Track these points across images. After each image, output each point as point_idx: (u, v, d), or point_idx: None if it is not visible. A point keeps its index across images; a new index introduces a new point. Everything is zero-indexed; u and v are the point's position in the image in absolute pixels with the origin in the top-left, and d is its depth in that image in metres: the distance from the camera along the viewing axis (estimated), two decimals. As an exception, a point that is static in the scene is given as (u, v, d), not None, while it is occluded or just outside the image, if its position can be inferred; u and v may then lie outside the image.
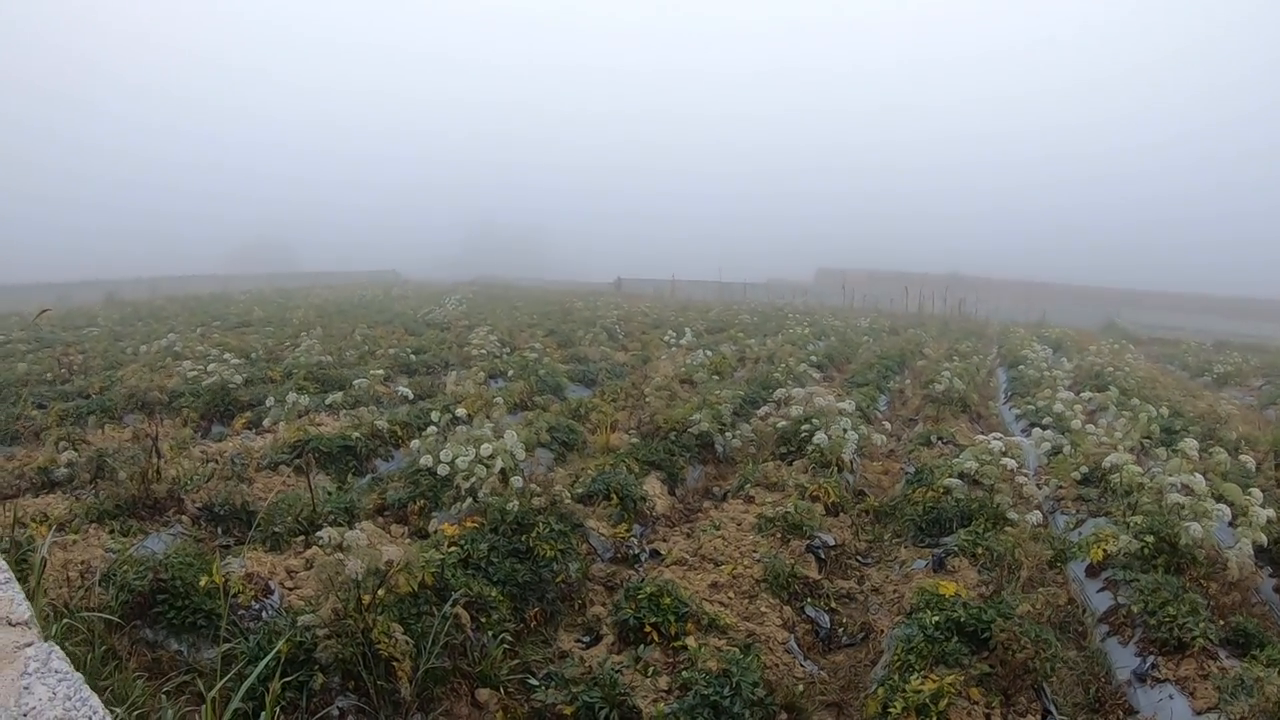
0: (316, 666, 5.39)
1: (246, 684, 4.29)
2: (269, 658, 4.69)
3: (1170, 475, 9.32)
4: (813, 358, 20.74)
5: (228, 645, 5.62)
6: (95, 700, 1.69)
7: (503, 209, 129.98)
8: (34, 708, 1.63)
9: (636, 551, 8.88)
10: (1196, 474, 9.19)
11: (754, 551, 8.36)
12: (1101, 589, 8.40)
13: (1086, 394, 16.92)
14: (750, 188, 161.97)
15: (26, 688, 1.68)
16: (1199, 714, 6.20)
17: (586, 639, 7.09)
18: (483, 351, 19.51)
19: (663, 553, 8.65)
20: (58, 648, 1.86)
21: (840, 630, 7.81)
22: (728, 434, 12.55)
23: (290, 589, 7.04)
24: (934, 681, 5.60)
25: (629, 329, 28.36)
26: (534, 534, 7.75)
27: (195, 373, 15.03)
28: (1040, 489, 11.37)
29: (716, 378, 17.47)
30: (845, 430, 11.32)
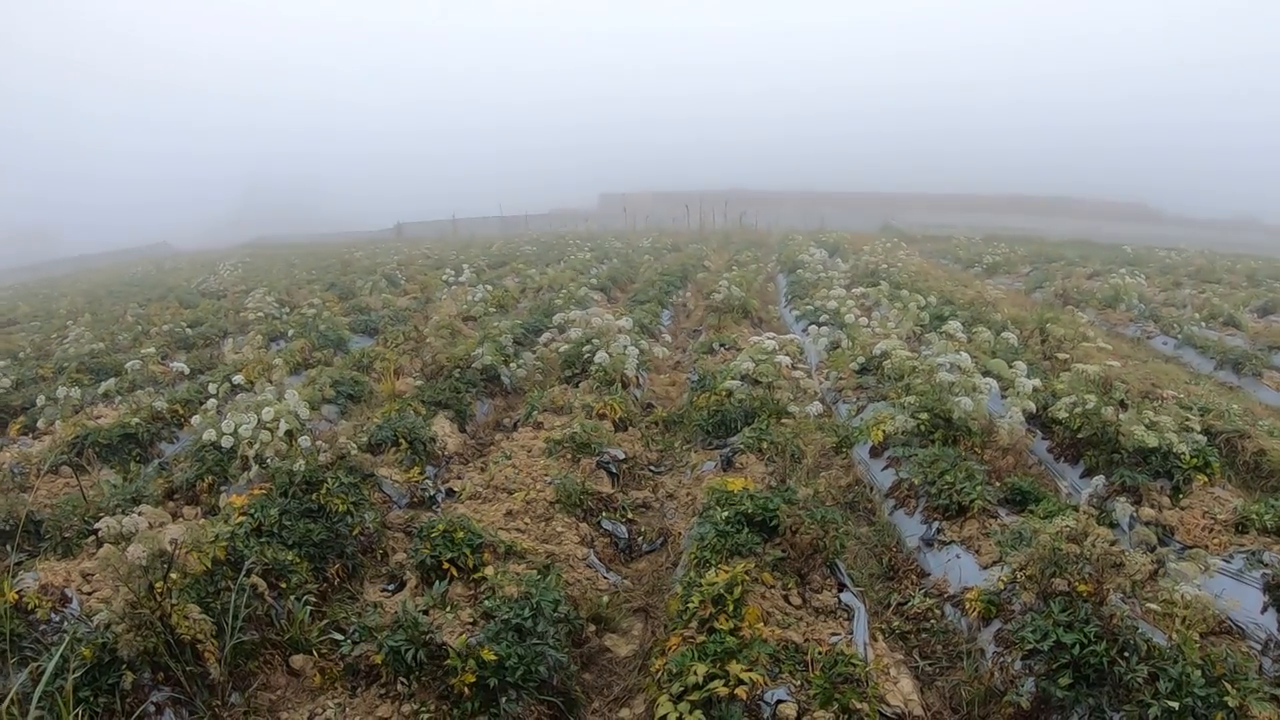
0: (123, 665, 5.30)
1: (38, 692, 4.22)
2: (53, 662, 4.60)
3: (939, 356, 9.90)
4: (594, 281, 21.00)
5: (33, 664, 5.50)
6: None
7: (274, 165, 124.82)
8: None
9: (432, 493, 8.90)
10: (963, 353, 9.82)
11: (545, 475, 8.52)
12: (885, 467, 8.95)
13: (860, 290, 17.65)
14: (530, 119, 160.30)
15: None
16: (984, 568, 6.71)
17: (391, 587, 7.12)
18: (260, 314, 18.97)
19: (458, 490, 8.71)
20: None
21: (640, 539, 8.07)
22: (512, 365, 12.66)
23: (87, 593, 6.80)
24: (727, 572, 5.88)
25: (410, 273, 28.01)
26: (324, 491, 7.68)
27: (-42, 383, 14.16)
28: (821, 382, 11.92)
29: (499, 311, 17.56)
30: (625, 347, 11.53)
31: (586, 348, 11.85)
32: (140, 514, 5.67)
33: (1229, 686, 4.76)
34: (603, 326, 12.12)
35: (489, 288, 19.90)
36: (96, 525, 6.28)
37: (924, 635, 6.46)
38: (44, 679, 4.30)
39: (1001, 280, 27.53)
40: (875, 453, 9.32)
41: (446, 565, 6.59)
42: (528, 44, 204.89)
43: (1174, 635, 5.25)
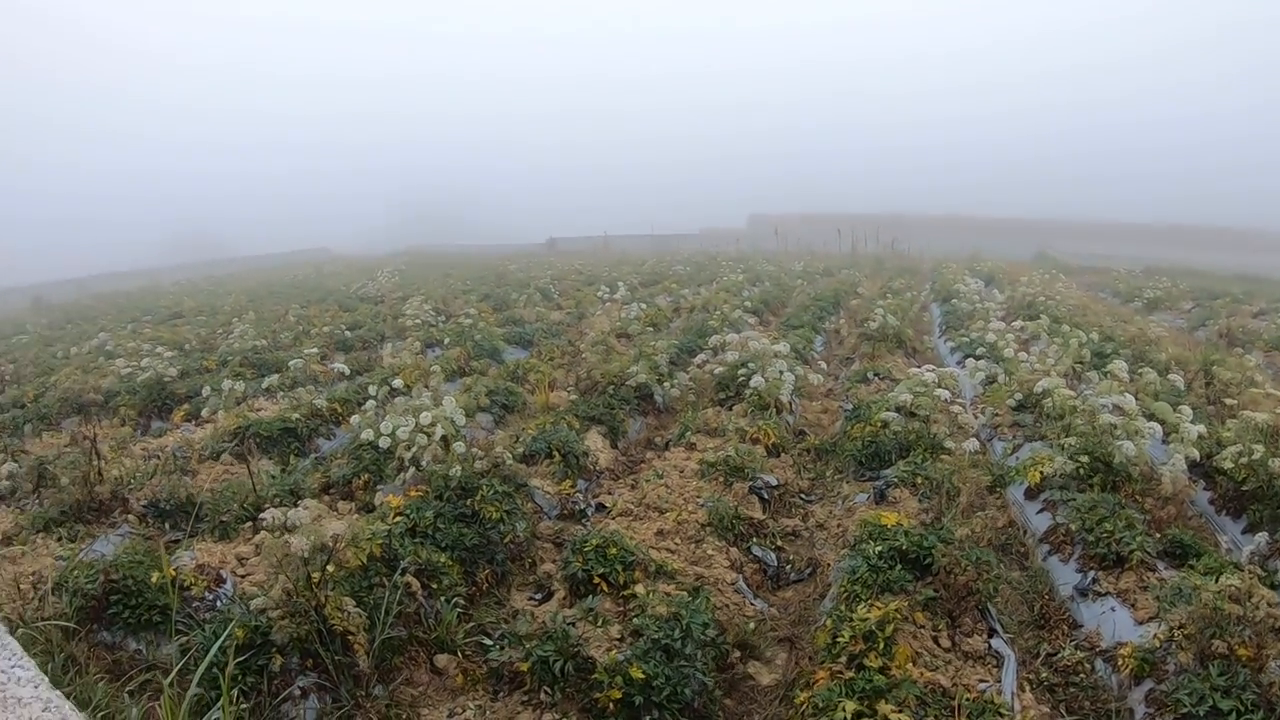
0: (274, 648, 5.43)
1: (201, 670, 4.33)
2: (219, 642, 4.73)
3: (1102, 397, 9.54)
4: (747, 304, 20.82)
5: (184, 638, 5.65)
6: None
7: (431, 177, 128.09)
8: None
9: (582, 506, 8.94)
10: (1127, 394, 9.44)
11: (698, 497, 8.44)
12: (1040, 510, 8.61)
13: (1019, 323, 17.21)
14: (680, 143, 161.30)
15: (-1, 693, 1.71)
16: (1140, 624, 6.38)
17: (538, 596, 7.17)
18: (417, 321, 19.38)
19: (608, 505, 8.72)
20: (26, 656, 1.90)
21: (788, 567, 7.94)
22: (666, 384, 12.65)
23: (242, 576, 7.03)
24: (879, 609, 5.72)
25: (563, 288, 28.31)
26: (478, 497, 7.79)
27: (129, 370, 14.77)
28: (977, 418, 11.61)
29: (652, 330, 17.57)
30: (781, 372, 11.42)
31: (742, 371, 11.76)
32: (305, 507, 5.78)
33: None
34: (759, 351, 12.01)
35: (643, 306, 19.97)
36: (259, 513, 6.48)
37: (1072, 689, 6.16)
38: (208, 656, 4.40)
39: (1163, 317, 26.40)
40: (1030, 494, 8.98)
41: (597, 580, 6.58)
42: (681, 46, 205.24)
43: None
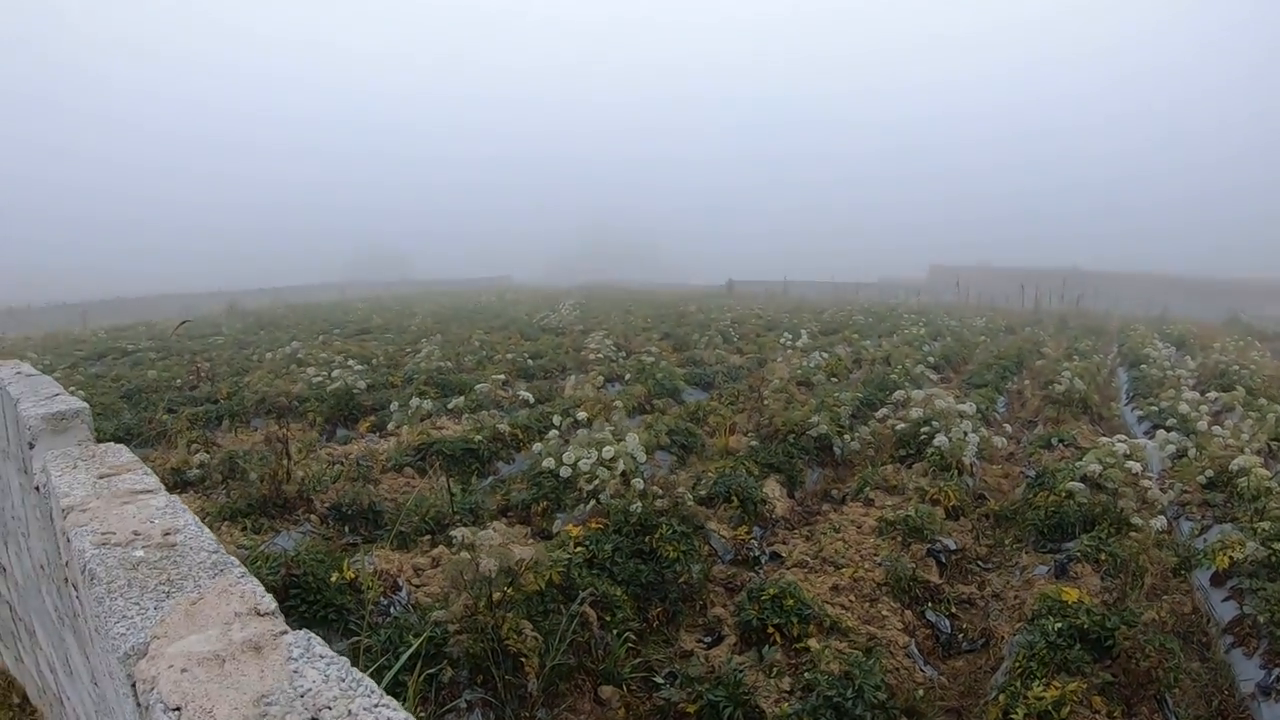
0: (446, 660, 5.58)
1: (391, 674, 4.48)
2: (410, 651, 4.90)
3: (1297, 477, 9.10)
4: (929, 358, 20.50)
5: (354, 639, 5.85)
6: (368, 680, 1.80)
7: (613, 213, 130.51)
8: (309, 689, 1.75)
9: (757, 554, 8.93)
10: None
11: (874, 555, 8.38)
12: (1227, 598, 8.20)
13: (1212, 394, 16.47)
14: (861, 190, 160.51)
15: (296, 671, 1.81)
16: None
17: (708, 639, 7.19)
18: (599, 355, 19.66)
19: (783, 555, 8.71)
20: (315, 635, 1.99)
21: (960, 636, 7.78)
22: (846, 436, 12.52)
23: (417, 586, 7.26)
24: (1056, 689, 5.58)
25: (743, 331, 28.23)
26: (657, 535, 7.88)
27: (320, 378, 15.47)
28: (1165, 493, 11.15)
29: (833, 380, 17.43)
30: (966, 433, 11.22)
31: (925, 429, 11.59)
32: (493, 529, 5.93)
33: None
34: (943, 409, 11.84)
35: (824, 355, 19.82)
36: (439, 527, 6.63)
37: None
38: (400, 661, 4.55)
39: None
40: (1217, 580, 8.54)
41: (771, 630, 6.58)
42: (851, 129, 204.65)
43: None
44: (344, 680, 1.78)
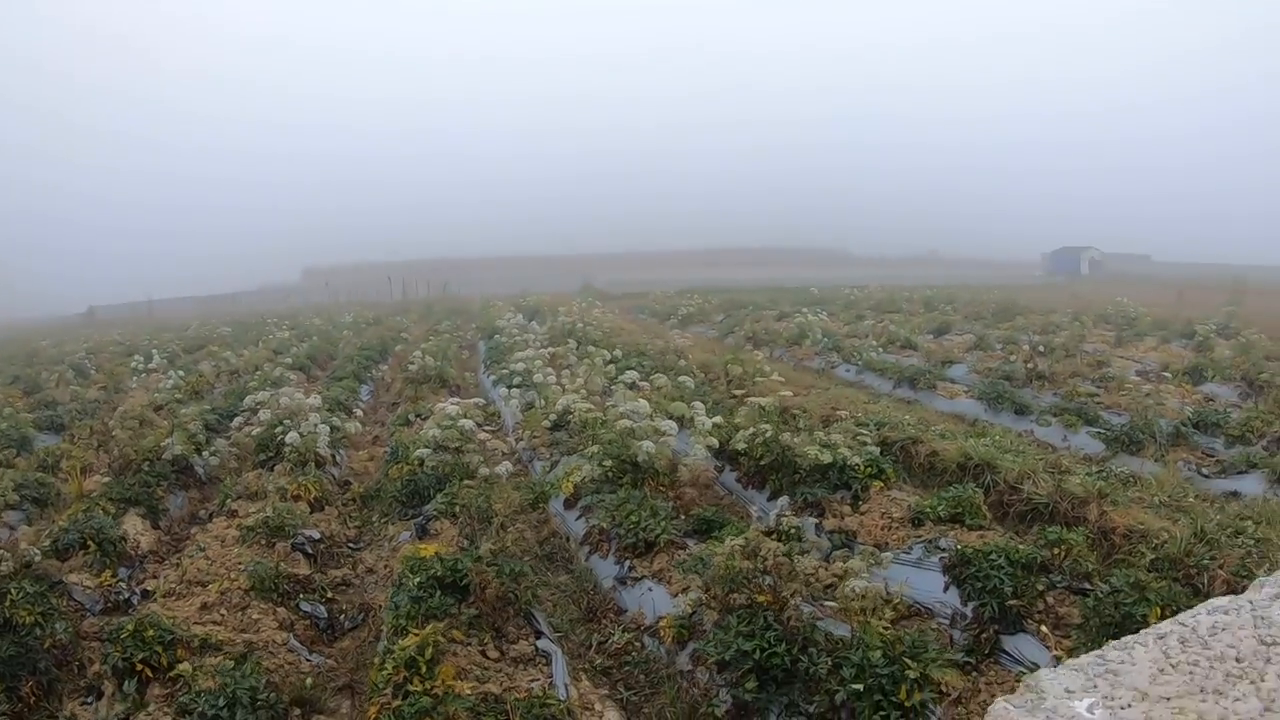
0: None
1: None
2: None
3: (621, 405, 10.30)
4: (290, 361, 20.48)
5: None
6: None
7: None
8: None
9: (127, 595, 8.41)
10: (641, 400, 10.27)
11: (240, 564, 8.20)
12: (579, 517, 9.25)
13: (552, 350, 18.08)
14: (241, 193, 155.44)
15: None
16: (674, 597, 7.06)
17: (91, 699, 6.78)
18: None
19: (153, 590, 8.37)
20: None
21: (341, 617, 7.92)
22: (205, 453, 12.13)
23: None
24: (417, 635, 5.88)
25: (99, 361, 26.05)
26: (8, 602, 7.22)
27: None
28: (517, 442, 12.15)
29: (194, 397, 16.85)
30: (316, 425, 11.34)
31: (279, 429, 11.51)
32: None
33: (910, 661, 5.18)
34: (293, 406, 11.83)
35: (182, 374, 19.06)
36: None
37: (627, 668, 6.69)
38: None
39: (696, 329, 28.88)
40: (569, 504, 9.61)
41: (140, 666, 6.33)
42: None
43: (855, 626, 5.65)
44: None
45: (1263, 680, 1.38)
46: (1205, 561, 6.59)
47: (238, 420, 13.21)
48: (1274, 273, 52.98)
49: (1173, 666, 1.44)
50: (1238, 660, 1.44)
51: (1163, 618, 5.52)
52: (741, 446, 9.92)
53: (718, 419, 10.22)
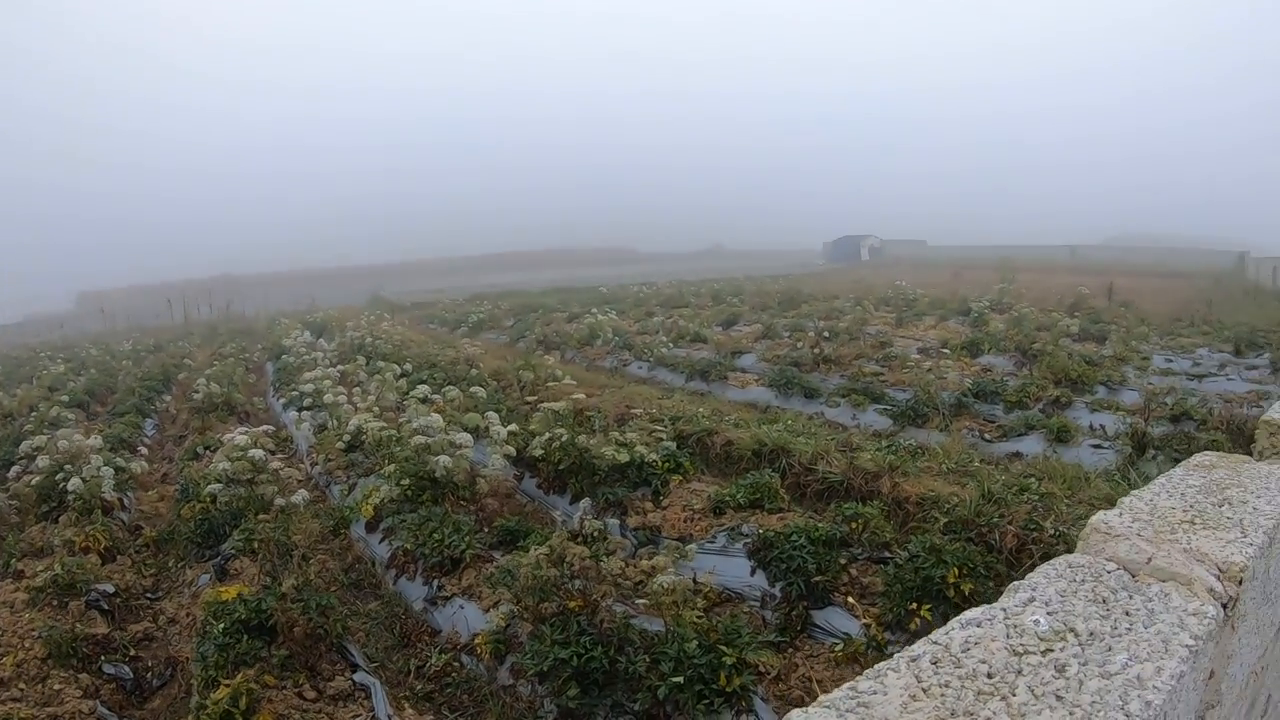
0: None
1: None
2: None
3: (414, 421, 10.22)
4: (65, 398, 19.38)
5: None
6: None
7: None
8: None
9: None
10: (434, 414, 10.22)
11: (33, 630, 7.78)
12: (383, 539, 9.12)
13: (342, 368, 17.78)
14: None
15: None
16: (486, 611, 7.11)
17: None
18: None
19: (-64, 679, 7.86)
20: None
21: (148, 675, 7.59)
22: (-21, 510, 11.44)
23: None
24: (228, 686, 5.73)
25: None
26: None
27: None
28: (313, 467, 11.88)
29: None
30: (99, 468, 10.76)
31: (59, 475, 10.85)
32: None
33: (725, 648, 5.41)
34: (73, 449, 11.22)
35: (-67, 425, 17.82)
36: None
37: (449, 690, 6.67)
38: None
39: (488, 336, 28.83)
40: (371, 527, 9.46)
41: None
42: None
43: (668, 620, 5.80)
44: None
45: (1014, 695, 1.45)
46: (995, 520, 7.09)
47: (15, 469, 12.35)
48: (1040, 251, 57.89)
49: (924, 691, 1.46)
50: (989, 676, 1.50)
51: (960, 577, 5.96)
52: (539, 453, 10.06)
53: (513, 427, 10.29)
